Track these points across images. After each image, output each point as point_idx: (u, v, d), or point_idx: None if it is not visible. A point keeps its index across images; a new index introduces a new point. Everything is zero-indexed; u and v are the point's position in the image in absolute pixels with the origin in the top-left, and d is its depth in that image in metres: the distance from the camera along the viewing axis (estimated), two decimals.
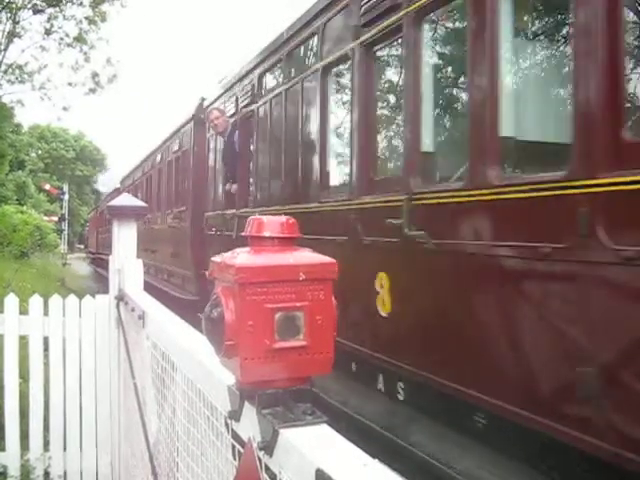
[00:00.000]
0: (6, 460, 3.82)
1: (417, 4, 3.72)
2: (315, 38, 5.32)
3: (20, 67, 21.06)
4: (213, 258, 1.29)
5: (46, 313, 3.95)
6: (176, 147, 11.33)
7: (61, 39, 20.92)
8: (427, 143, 3.92)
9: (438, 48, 4.18)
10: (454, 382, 3.30)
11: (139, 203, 4.20)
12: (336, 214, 4.77)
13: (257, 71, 6.85)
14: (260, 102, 6.73)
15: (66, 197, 39.31)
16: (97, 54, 25.98)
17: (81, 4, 20.31)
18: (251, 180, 7.20)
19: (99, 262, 23.73)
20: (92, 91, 22.47)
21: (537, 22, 3.66)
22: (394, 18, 3.97)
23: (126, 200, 4.19)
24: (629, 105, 2.58)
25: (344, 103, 5.10)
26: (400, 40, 4.09)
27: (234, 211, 7.35)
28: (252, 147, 7.17)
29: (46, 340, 3.96)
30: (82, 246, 50.52)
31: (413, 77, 3.86)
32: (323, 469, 0.96)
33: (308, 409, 1.17)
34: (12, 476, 3.77)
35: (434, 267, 3.57)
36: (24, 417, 3.88)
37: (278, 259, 1.20)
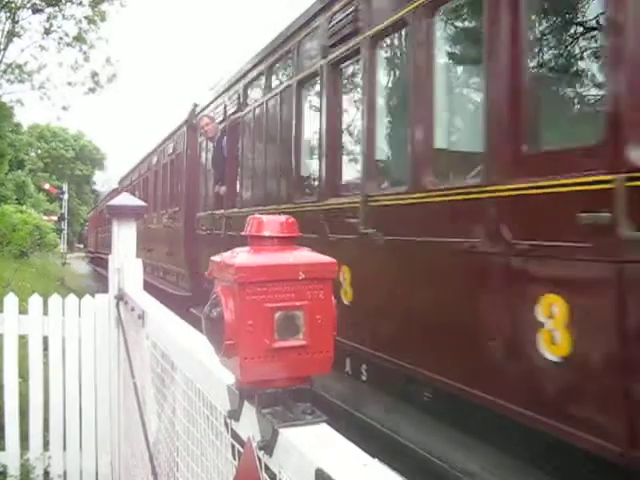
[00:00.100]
0: (6, 460, 3.82)
1: (372, 30, 4.38)
2: (291, 55, 6.02)
3: (19, 66, 21.06)
4: (212, 257, 1.29)
5: (45, 312, 3.95)
6: (170, 150, 11.82)
7: (60, 38, 20.92)
8: (380, 152, 4.60)
9: (389, 69, 4.76)
10: (407, 362, 3.79)
11: (139, 202, 4.20)
12: (308, 214, 5.19)
13: (242, 82, 7.55)
14: (245, 110, 7.41)
15: (65, 197, 39.31)
16: (96, 54, 25.99)
17: (80, 3, 20.29)
18: (238, 183, 7.77)
19: (98, 261, 23.73)
20: (91, 91, 22.48)
21: (460, 49, 4.24)
22: (354, 41, 4.63)
23: (126, 199, 4.19)
24: (528, 123, 3.03)
25: (315, 115, 5.62)
26: (359, 60, 4.69)
27: (222, 211, 7.94)
28: (239, 152, 7.74)
29: (46, 340, 3.96)
30: (81, 245, 50.50)
31: (369, 93, 4.50)
32: (323, 469, 0.96)
33: (308, 408, 1.17)
34: (12, 476, 3.77)
35: (386, 260, 4.09)
36: (24, 417, 3.87)
37: (278, 258, 1.20)
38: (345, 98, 5.20)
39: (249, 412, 1.25)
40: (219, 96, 8.70)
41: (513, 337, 2.97)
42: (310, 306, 1.18)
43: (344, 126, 5.18)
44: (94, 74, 22.16)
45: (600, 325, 2.51)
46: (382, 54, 4.60)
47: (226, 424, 1.42)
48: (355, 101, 5.04)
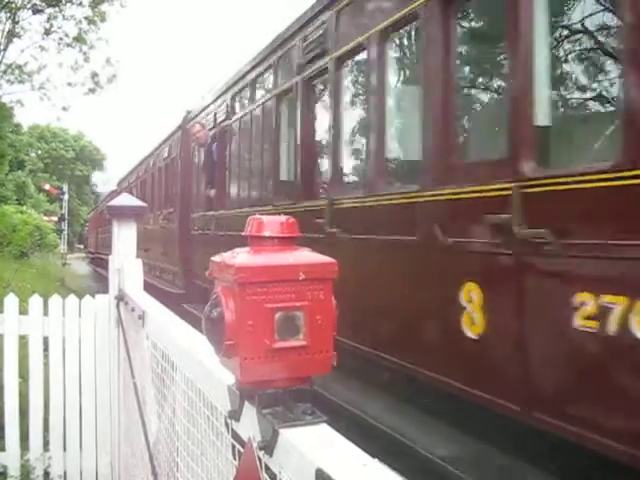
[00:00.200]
0: (6, 460, 3.82)
1: (338, 52, 4.97)
2: (271, 70, 6.64)
3: (20, 67, 21.06)
4: (213, 258, 1.29)
5: (46, 313, 3.95)
6: (166, 154, 12.27)
7: (60, 39, 20.92)
8: (343, 160, 5.20)
9: (351, 87, 5.40)
10: (366, 345, 4.28)
11: (138, 203, 4.19)
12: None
13: (230, 93, 8.20)
14: (233, 119, 8.03)
15: (66, 197, 39.23)
16: (96, 54, 25.95)
17: (80, 4, 20.29)
18: (225, 186, 8.42)
19: (99, 262, 23.73)
20: (91, 91, 22.48)
21: (405, 72, 4.88)
22: (323, 61, 5.22)
23: (126, 200, 4.19)
24: (458, 135, 3.69)
25: (291, 126, 6.24)
26: (327, 78, 5.25)
27: (213, 212, 8.56)
28: (226, 158, 8.41)
29: (46, 340, 3.96)
30: (82, 246, 50.47)
31: (335, 108, 5.09)
32: (323, 469, 0.96)
33: (308, 409, 1.17)
34: (12, 476, 3.77)
35: (349, 256, 4.37)
36: (24, 417, 3.88)
37: (278, 259, 1.20)
38: (317, 112, 5.75)
39: (249, 412, 1.25)
40: (210, 104, 9.29)
41: (443, 318, 3.53)
42: (310, 306, 1.18)
43: (316, 137, 5.76)
44: (94, 75, 22.19)
45: (504, 307, 3.06)
46: (346, 74, 5.22)
47: (227, 424, 1.42)
48: (324, 115, 5.53)
